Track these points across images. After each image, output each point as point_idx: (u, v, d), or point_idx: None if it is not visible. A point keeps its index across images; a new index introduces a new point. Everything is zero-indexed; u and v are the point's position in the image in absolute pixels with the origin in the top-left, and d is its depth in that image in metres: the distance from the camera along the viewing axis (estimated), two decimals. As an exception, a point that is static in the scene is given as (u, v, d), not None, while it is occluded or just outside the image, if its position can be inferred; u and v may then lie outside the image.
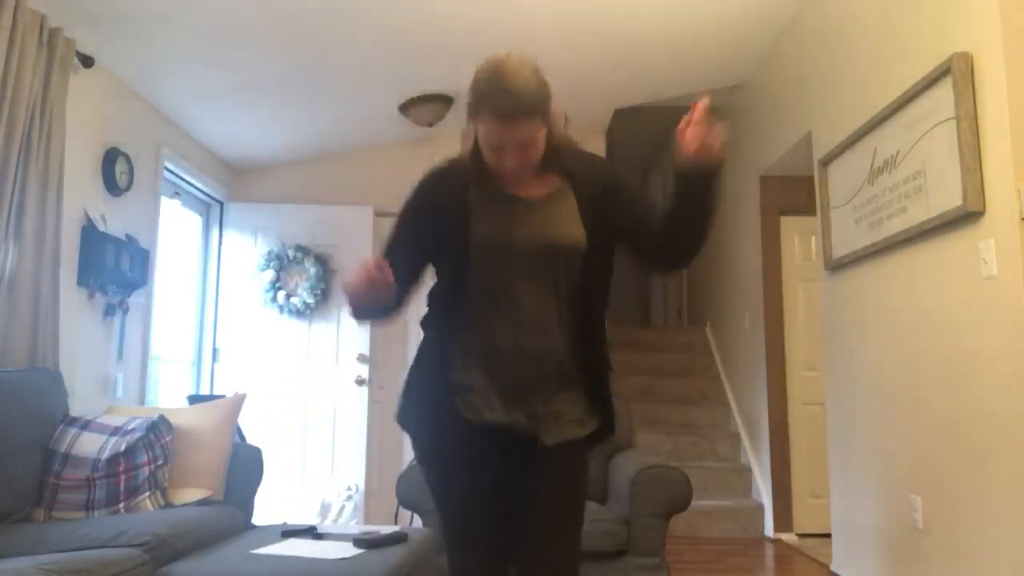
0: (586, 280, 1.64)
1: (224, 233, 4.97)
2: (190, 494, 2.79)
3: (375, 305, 1.54)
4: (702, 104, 1.46)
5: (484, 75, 1.54)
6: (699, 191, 1.53)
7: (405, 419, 1.73)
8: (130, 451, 2.63)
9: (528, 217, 1.62)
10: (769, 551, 4.36)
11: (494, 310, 1.62)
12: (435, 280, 1.71)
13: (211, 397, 3.92)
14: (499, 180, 1.62)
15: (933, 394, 2.89)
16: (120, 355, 3.67)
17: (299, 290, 4.85)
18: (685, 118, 1.47)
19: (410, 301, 1.69)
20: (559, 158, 1.64)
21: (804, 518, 4.64)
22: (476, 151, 1.61)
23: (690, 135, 1.46)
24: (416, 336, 1.77)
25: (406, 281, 1.63)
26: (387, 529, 2.59)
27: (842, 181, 3.65)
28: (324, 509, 4.67)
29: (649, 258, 1.71)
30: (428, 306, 1.72)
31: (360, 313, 1.62)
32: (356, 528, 3.06)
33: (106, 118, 3.61)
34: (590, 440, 1.71)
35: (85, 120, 3.41)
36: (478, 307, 1.63)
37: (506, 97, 1.49)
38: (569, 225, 1.62)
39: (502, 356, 1.61)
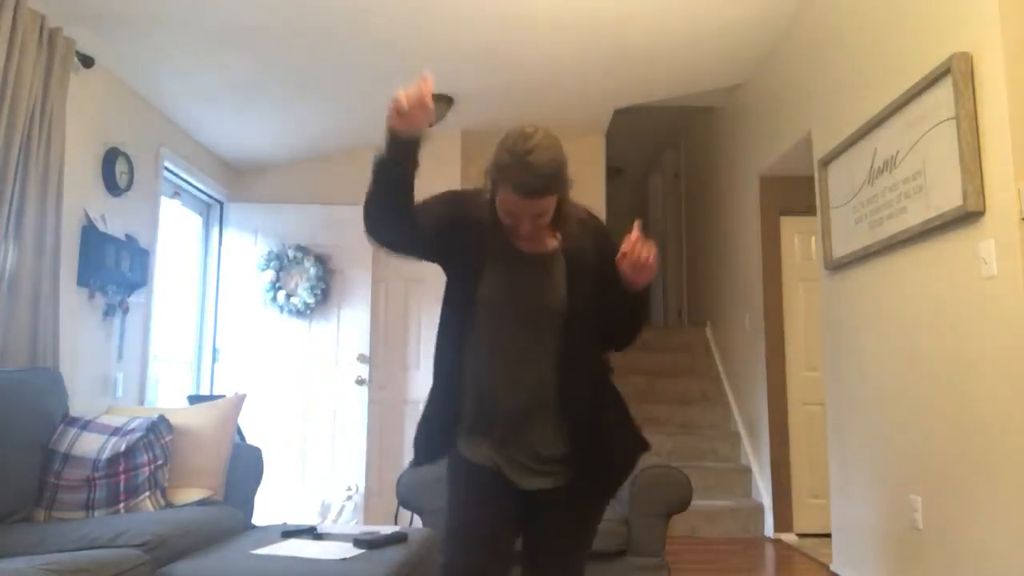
0: (574, 336, 1.75)
1: (224, 233, 4.97)
2: (190, 494, 2.79)
3: (415, 130, 1.68)
4: (636, 231, 1.63)
5: (510, 148, 1.63)
6: (636, 300, 1.74)
7: (419, 458, 1.84)
8: (130, 451, 2.63)
9: (525, 278, 1.75)
10: (769, 551, 4.36)
11: (491, 359, 1.74)
12: (442, 319, 1.83)
13: (211, 397, 3.93)
14: (509, 233, 1.73)
15: (933, 394, 2.89)
16: (120, 355, 3.67)
17: (299, 290, 4.85)
18: (624, 243, 1.63)
19: (413, 236, 1.74)
20: (562, 219, 1.74)
21: (804, 518, 4.64)
22: (493, 206, 1.70)
23: (627, 263, 1.63)
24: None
25: (414, 226, 1.70)
26: (387, 529, 2.59)
27: (842, 181, 3.65)
28: (324, 509, 4.67)
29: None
30: (437, 344, 1.83)
31: (381, 198, 1.67)
32: (356, 528, 3.06)
33: (106, 118, 3.61)
34: (582, 487, 1.77)
35: (85, 120, 3.41)
36: (478, 354, 1.74)
37: (529, 177, 1.59)
38: (556, 291, 1.75)
39: (495, 400, 1.73)
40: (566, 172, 1.66)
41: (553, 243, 1.78)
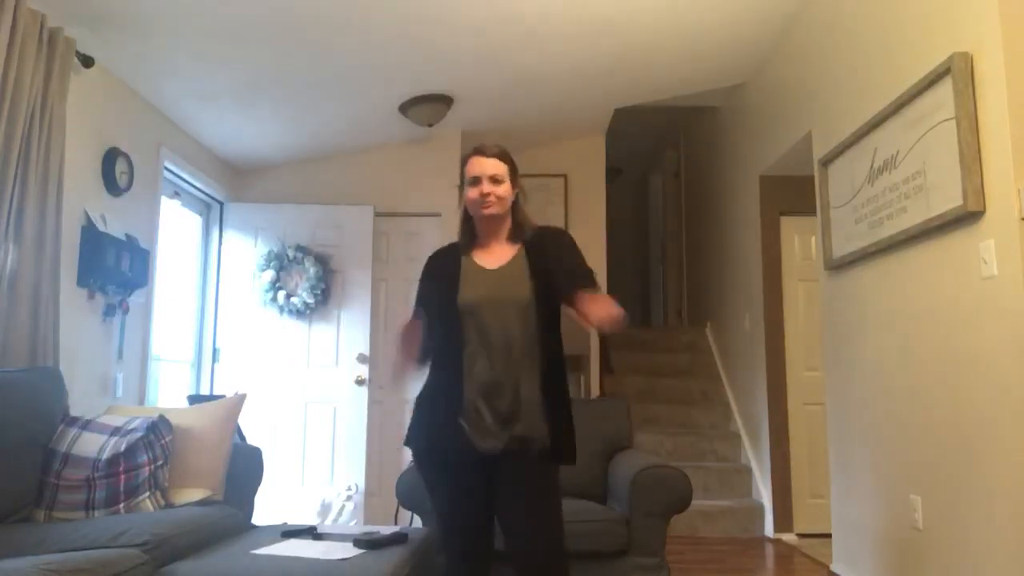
0: (541, 324, 2.12)
1: (224, 233, 4.97)
2: (190, 494, 2.79)
3: (412, 354, 2.12)
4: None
5: (470, 147, 2.25)
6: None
7: (413, 445, 2.19)
8: (130, 451, 2.63)
9: (494, 282, 2.15)
10: (769, 551, 4.36)
11: (477, 352, 2.09)
12: (433, 336, 2.17)
13: (211, 397, 3.92)
14: (477, 254, 2.20)
15: (933, 394, 2.89)
16: (120, 355, 3.68)
17: (299, 290, 4.85)
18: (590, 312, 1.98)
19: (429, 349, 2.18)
20: (521, 230, 2.20)
21: (804, 518, 4.64)
22: (466, 218, 2.22)
23: (595, 316, 1.95)
24: None
25: (427, 328, 2.16)
26: (387, 529, 2.59)
27: (842, 181, 3.65)
28: (324, 509, 4.67)
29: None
30: (431, 357, 2.19)
31: (402, 372, 2.14)
32: (356, 528, 3.06)
33: (106, 118, 3.61)
34: (547, 459, 2.10)
35: (85, 120, 3.41)
36: (466, 351, 2.10)
37: (482, 145, 2.22)
38: (521, 284, 2.13)
39: (484, 389, 2.07)
40: (514, 162, 2.19)
41: (513, 252, 2.19)
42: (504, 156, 2.19)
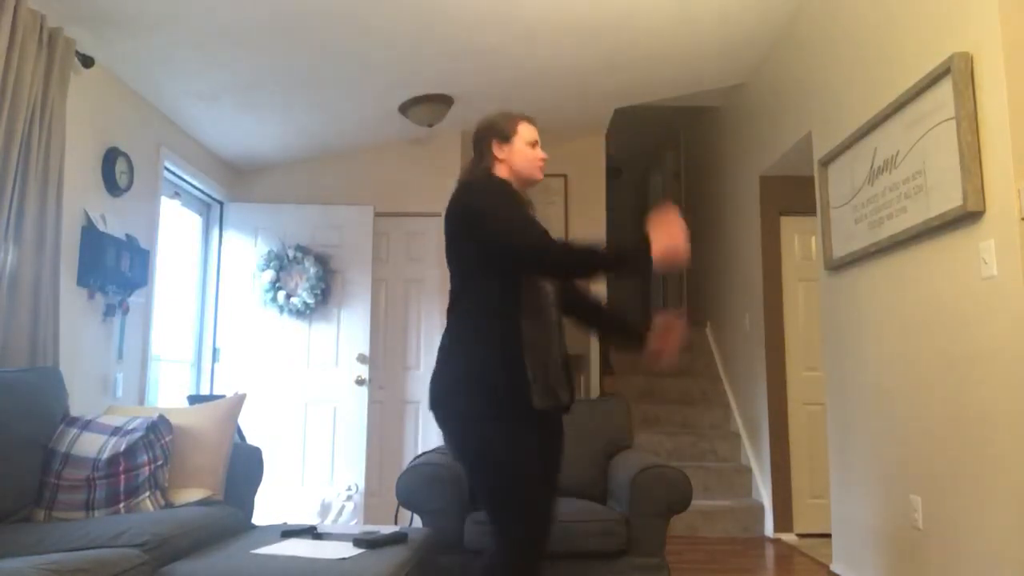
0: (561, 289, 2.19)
1: (224, 233, 4.98)
2: (190, 494, 2.79)
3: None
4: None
5: (497, 110, 2.24)
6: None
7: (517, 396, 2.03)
8: (130, 451, 2.63)
9: None
10: (769, 551, 4.36)
11: (540, 316, 2.07)
12: (489, 289, 2.04)
13: (211, 397, 3.92)
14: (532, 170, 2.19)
15: (933, 394, 2.89)
16: (120, 355, 3.68)
17: (299, 290, 4.85)
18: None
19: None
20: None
21: (804, 518, 4.64)
22: (489, 172, 2.16)
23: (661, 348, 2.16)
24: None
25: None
26: (387, 529, 2.59)
27: (842, 181, 3.65)
28: (324, 509, 4.67)
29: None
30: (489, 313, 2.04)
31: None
32: (356, 528, 3.06)
33: (106, 118, 3.61)
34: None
35: (85, 120, 3.41)
36: (530, 313, 2.04)
37: (525, 113, 2.22)
38: None
39: (550, 350, 2.08)
40: None
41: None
42: None
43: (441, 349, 2.09)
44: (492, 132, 2.16)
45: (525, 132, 2.16)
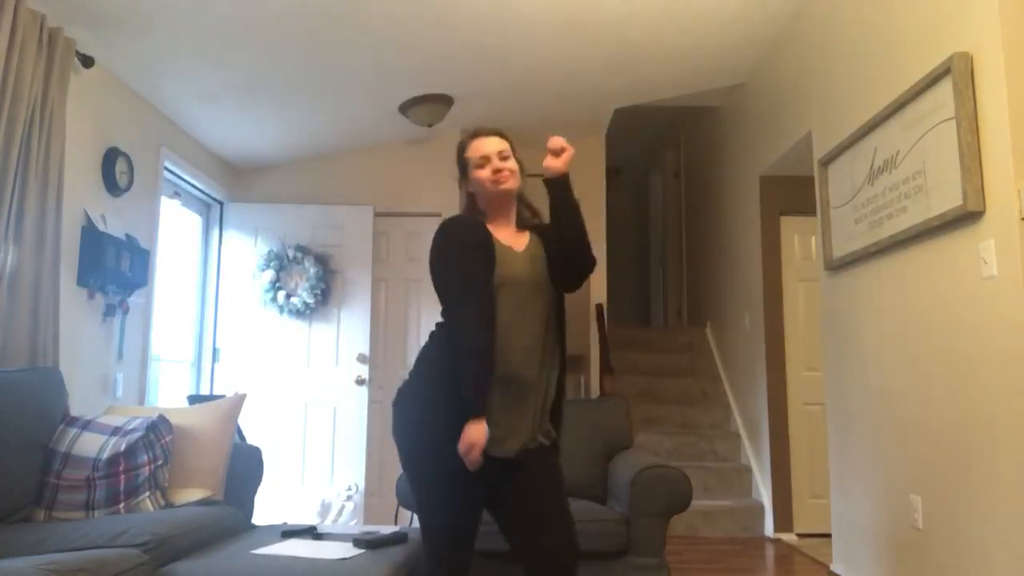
0: (555, 300, 2.08)
1: (224, 233, 4.98)
2: (190, 494, 2.79)
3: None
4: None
5: (466, 133, 2.16)
6: (565, 201, 2.07)
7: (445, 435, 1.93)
8: (130, 451, 2.63)
9: (525, 263, 2.05)
10: (769, 551, 4.36)
11: (511, 337, 1.96)
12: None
13: (211, 397, 3.92)
14: (491, 189, 2.07)
15: (933, 394, 2.89)
16: (120, 355, 3.68)
17: (299, 290, 4.85)
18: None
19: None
20: (527, 214, 2.15)
21: (804, 518, 4.64)
22: (473, 207, 2.10)
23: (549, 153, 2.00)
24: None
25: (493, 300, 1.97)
26: (387, 529, 2.59)
27: (842, 181, 3.65)
28: (324, 509, 4.67)
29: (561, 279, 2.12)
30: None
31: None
32: (356, 528, 3.06)
33: (106, 118, 3.61)
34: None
35: (85, 120, 3.41)
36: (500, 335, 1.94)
37: (476, 129, 2.14)
38: (545, 268, 2.08)
39: (518, 383, 1.97)
40: (512, 141, 2.11)
41: (526, 238, 2.12)
42: (503, 134, 2.12)
43: (418, 359, 2.11)
44: (458, 170, 2.13)
45: (473, 155, 2.06)
